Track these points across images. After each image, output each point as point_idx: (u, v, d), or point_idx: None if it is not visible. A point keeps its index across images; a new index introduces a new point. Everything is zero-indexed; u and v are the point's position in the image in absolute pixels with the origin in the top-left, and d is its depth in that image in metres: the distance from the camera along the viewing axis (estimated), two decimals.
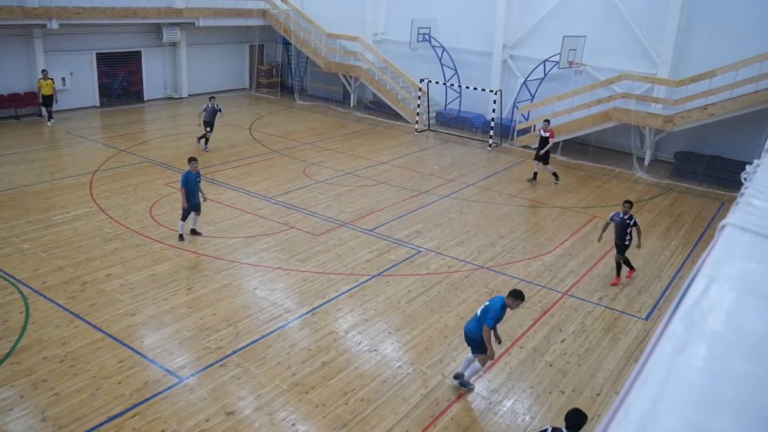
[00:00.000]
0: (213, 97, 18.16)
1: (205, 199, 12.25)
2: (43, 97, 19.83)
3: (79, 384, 7.65)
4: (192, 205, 11.81)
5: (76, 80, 22.03)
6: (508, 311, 7.81)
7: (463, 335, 8.03)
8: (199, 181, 11.96)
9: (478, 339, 7.57)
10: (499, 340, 7.91)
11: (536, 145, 17.75)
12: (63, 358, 8.16)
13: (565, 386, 8.23)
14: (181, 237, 11.98)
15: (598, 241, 11.95)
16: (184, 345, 8.62)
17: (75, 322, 8.99)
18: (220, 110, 18.02)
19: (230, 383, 7.85)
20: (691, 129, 18.64)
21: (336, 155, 18.72)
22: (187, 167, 12.05)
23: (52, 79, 19.90)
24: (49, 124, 20.13)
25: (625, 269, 11.45)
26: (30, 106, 20.97)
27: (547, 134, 17.05)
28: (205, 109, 17.81)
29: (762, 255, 1.42)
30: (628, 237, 11.05)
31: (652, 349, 1.10)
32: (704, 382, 0.95)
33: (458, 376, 7.97)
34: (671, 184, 18.12)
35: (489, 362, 7.91)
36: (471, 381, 8.01)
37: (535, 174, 17.38)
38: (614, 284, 11.30)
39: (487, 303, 7.72)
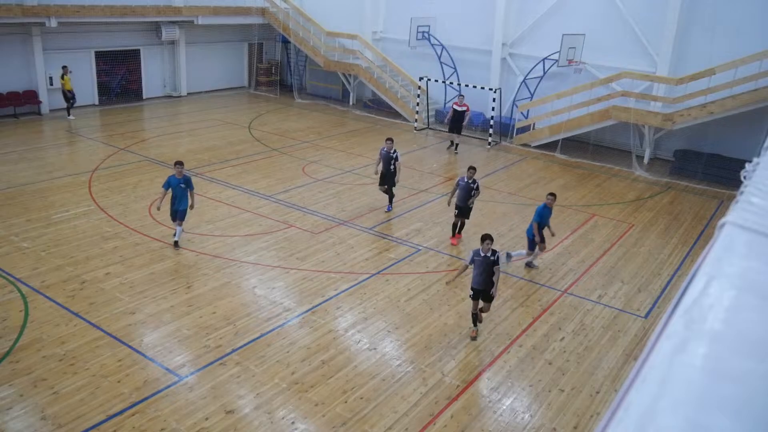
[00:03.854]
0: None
1: (191, 207, 11.55)
2: (68, 91, 20.48)
3: (79, 383, 7.65)
4: (176, 210, 11.27)
5: (75, 78, 21.92)
6: None
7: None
8: (185, 187, 11.29)
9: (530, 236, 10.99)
10: (552, 233, 11.34)
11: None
12: (62, 356, 8.16)
13: (565, 384, 8.24)
14: (176, 244, 11.56)
15: (448, 205, 12.84)
16: (184, 343, 8.62)
17: (74, 321, 8.98)
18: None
19: (230, 382, 7.85)
20: (690, 127, 18.64)
21: (335, 153, 18.72)
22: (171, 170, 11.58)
23: (67, 76, 20.48)
24: (70, 117, 20.72)
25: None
26: (28, 105, 20.95)
27: (463, 108, 19.33)
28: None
29: (762, 253, 1.42)
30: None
31: (651, 348, 1.10)
32: (704, 380, 0.95)
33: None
34: (670, 182, 18.13)
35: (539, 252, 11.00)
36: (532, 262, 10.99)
37: (453, 143, 20.11)
38: (454, 244, 12.42)
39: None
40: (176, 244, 11.54)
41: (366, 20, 25.68)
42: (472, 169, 12.32)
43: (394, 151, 13.55)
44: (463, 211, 12.42)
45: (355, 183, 15.98)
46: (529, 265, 11.70)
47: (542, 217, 11.27)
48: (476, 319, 9.16)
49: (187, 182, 11.42)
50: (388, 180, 13.79)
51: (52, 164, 16.19)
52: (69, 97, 20.59)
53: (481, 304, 9.09)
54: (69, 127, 19.96)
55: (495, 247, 12.45)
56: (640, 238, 13.55)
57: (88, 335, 8.67)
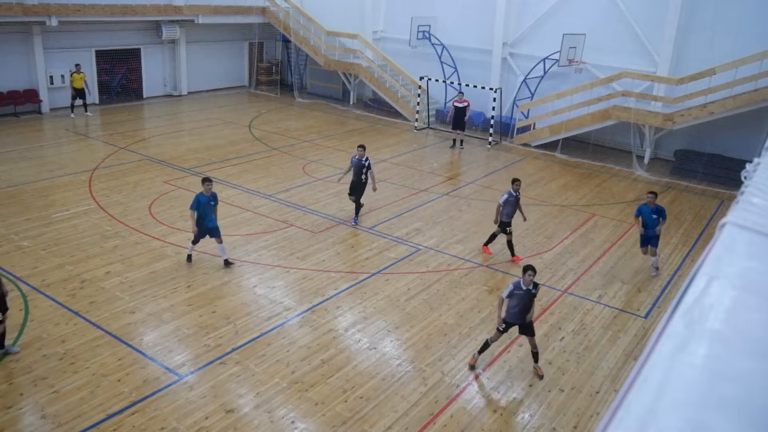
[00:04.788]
0: None
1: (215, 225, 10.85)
2: (75, 89, 20.61)
3: (79, 381, 7.65)
4: (207, 228, 10.62)
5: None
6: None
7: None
8: (214, 204, 10.69)
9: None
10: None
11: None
12: (62, 355, 8.16)
13: (565, 384, 8.24)
14: (189, 257, 10.97)
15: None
16: (184, 342, 8.62)
17: (74, 320, 8.99)
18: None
19: (230, 381, 7.85)
20: (690, 127, 18.64)
21: (335, 153, 18.71)
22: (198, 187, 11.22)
23: (83, 73, 20.74)
24: (73, 115, 20.98)
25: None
26: (29, 104, 20.95)
27: (464, 104, 19.69)
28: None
29: (762, 253, 1.42)
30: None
31: (652, 348, 1.10)
32: (704, 380, 0.95)
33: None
34: (671, 182, 18.13)
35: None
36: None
37: (455, 142, 20.43)
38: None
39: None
40: (228, 262, 10.90)
41: (366, 20, 25.67)
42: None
43: (366, 159, 12.89)
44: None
45: None
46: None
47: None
48: (486, 347, 8.47)
49: (215, 198, 10.79)
50: (358, 190, 13.05)
51: (52, 163, 16.19)
52: (74, 95, 20.74)
53: (528, 341, 8.44)
54: (72, 125, 19.95)
55: (494, 246, 12.48)
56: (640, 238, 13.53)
57: (88, 334, 8.67)
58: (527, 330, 8.35)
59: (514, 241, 12.05)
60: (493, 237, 12.16)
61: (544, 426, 7.42)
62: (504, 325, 8.31)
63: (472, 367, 8.43)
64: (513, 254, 12.04)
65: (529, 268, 8.04)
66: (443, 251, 12.19)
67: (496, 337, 8.43)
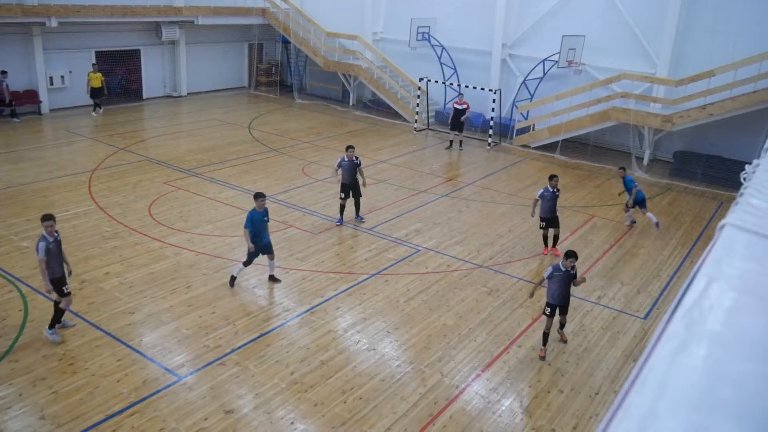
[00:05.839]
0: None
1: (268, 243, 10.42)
2: (92, 89, 21.03)
3: (78, 382, 7.65)
4: (261, 245, 10.18)
5: (76, 78, 21.99)
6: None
7: None
8: (267, 220, 10.23)
9: None
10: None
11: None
12: (62, 356, 8.15)
13: (564, 385, 8.24)
14: (232, 279, 10.27)
15: (532, 216, 12.59)
16: (183, 343, 8.62)
17: (73, 321, 8.98)
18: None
19: (229, 382, 7.85)
20: (689, 129, 18.65)
21: (335, 154, 18.69)
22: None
23: (101, 73, 21.23)
24: (93, 114, 21.46)
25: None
26: (29, 104, 20.94)
27: (464, 106, 19.75)
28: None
29: (761, 255, 1.42)
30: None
31: (652, 349, 1.10)
32: (704, 382, 0.96)
33: None
34: (670, 183, 18.14)
35: None
36: None
37: (451, 142, 20.49)
38: (545, 254, 12.36)
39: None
40: (274, 278, 10.57)
41: (366, 21, 25.68)
42: (555, 177, 12.02)
43: (357, 158, 13.01)
44: (552, 222, 12.13)
45: None
46: None
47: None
48: (547, 338, 8.88)
49: (267, 214, 10.29)
50: (355, 189, 13.10)
51: (52, 164, 16.19)
52: (92, 95, 21.21)
53: (559, 317, 9.02)
54: (68, 126, 19.95)
55: (493, 247, 12.49)
56: (639, 239, 13.56)
57: (88, 335, 8.66)
58: (564, 310, 9.02)
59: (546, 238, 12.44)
60: (546, 239, 12.43)
61: (544, 427, 7.42)
62: (549, 309, 8.86)
63: (543, 358, 8.83)
64: (547, 245, 12.47)
65: (571, 255, 8.63)
66: (443, 252, 12.20)
67: (549, 323, 8.87)
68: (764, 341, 1.07)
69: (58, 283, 8.32)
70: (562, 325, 9.24)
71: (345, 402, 7.61)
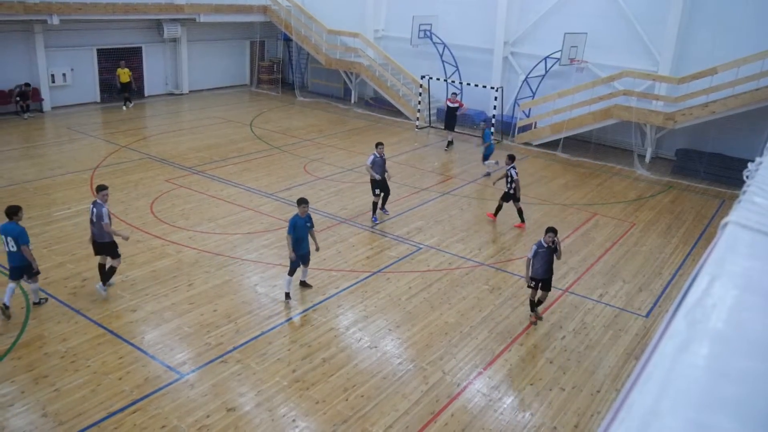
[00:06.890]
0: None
1: (317, 249, 10.18)
2: (121, 84, 21.99)
3: (80, 380, 7.66)
4: (301, 254, 9.82)
5: (77, 76, 22.02)
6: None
7: None
8: (311, 227, 9.86)
9: None
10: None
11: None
12: (64, 354, 8.17)
13: (566, 383, 8.24)
14: (287, 296, 9.84)
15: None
16: (185, 341, 8.63)
17: (76, 318, 9.00)
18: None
19: (231, 379, 7.86)
20: (692, 126, 18.61)
21: (337, 152, 18.71)
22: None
23: (128, 68, 22.06)
24: (124, 108, 22.27)
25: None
26: (31, 102, 20.94)
27: (456, 104, 19.96)
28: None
29: (764, 253, 1.42)
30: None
31: (654, 347, 1.10)
32: (707, 380, 0.95)
33: None
34: (672, 181, 18.11)
35: None
36: None
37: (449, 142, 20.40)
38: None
39: None
40: (306, 284, 10.34)
41: (368, 18, 25.65)
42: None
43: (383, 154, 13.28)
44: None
45: (357, 181, 15.96)
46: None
47: None
48: (534, 305, 9.68)
49: (311, 220, 9.93)
50: (385, 186, 13.36)
51: (54, 161, 16.20)
52: (119, 89, 22.07)
53: (539, 293, 9.61)
54: (70, 124, 19.97)
55: (495, 245, 12.48)
56: (641, 237, 13.55)
57: (90, 332, 8.68)
58: (546, 285, 9.53)
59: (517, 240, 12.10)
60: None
61: (545, 425, 7.42)
62: (533, 283, 9.46)
63: (534, 323, 9.57)
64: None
65: (550, 230, 9.24)
66: (444, 250, 12.19)
67: (533, 294, 9.60)
68: (767, 339, 1.07)
69: (114, 245, 9.58)
70: (539, 302, 9.63)
71: (347, 400, 7.62)
